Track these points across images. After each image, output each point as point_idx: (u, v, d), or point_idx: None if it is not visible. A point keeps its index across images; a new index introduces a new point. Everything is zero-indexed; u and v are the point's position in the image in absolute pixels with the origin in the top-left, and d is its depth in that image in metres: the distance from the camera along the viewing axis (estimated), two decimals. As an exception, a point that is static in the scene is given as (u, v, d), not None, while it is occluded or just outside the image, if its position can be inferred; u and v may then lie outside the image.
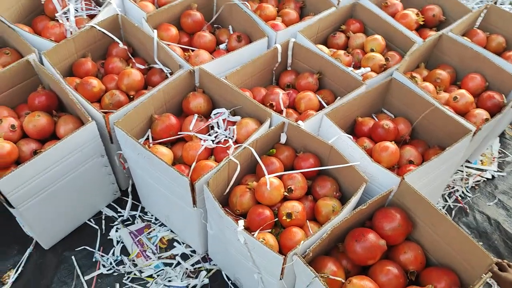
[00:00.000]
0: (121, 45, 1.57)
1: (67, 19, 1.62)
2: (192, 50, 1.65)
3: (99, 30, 1.53)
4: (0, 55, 1.50)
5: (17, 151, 1.29)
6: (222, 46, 1.70)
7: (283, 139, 1.36)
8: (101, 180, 1.49)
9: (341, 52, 1.65)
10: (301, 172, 1.28)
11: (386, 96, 1.56)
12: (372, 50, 1.65)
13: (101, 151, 1.40)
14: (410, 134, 1.50)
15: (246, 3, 1.69)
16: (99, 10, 1.65)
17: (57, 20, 1.62)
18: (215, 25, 1.79)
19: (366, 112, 1.54)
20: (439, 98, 1.53)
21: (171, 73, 1.52)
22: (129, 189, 1.60)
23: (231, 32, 1.74)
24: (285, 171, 1.29)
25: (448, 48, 1.66)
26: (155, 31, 1.53)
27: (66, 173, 1.34)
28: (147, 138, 1.41)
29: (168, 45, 1.58)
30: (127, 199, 1.61)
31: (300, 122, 1.33)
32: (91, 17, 1.66)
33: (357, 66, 1.66)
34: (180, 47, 1.64)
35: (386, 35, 1.70)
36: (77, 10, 1.66)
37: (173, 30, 1.63)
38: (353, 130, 1.52)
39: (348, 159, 1.24)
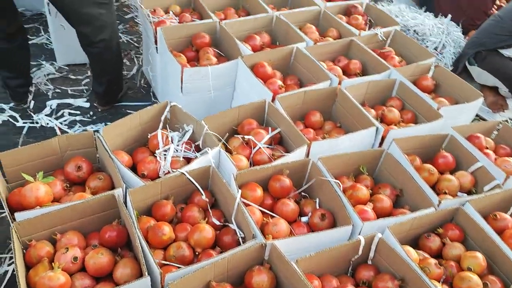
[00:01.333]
0: (203, 197, 1.57)
1: (165, 157, 1.69)
2: (272, 216, 1.59)
3: (188, 178, 1.55)
4: (93, 178, 1.58)
5: (69, 286, 1.26)
6: (304, 219, 1.62)
7: None
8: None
9: (432, 261, 1.47)
10: None
11: (477, 331, 1.31)
12: (469, 269, 1.45)
13: (148, 304, 1.33)
14: None
15: (339, 182, 1.63)
16: (196, 156, 1.70)
17: (156, 156, 1.70)
18: (302, 193, 1.74)
19: None
20: None
21: (243, 238, 1.46)
22: None
23: (317, 207, 1.66)
24: None
25: None
26: (240, 191, 1.52)
27: (107, 321, 1.27)
28: (199, 303, 1.31)
29: (249, 205, 1.55)
30: None
31: None
32: (187, 159, 1.72)
33: (448, 282, 1.46)
34: (261, 210, 1.59)
35: (489, 253, 1.50)
36: (176, 151, 1.73)
37: (259, 192, 1.61)
38: None
39: None
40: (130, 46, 2.97)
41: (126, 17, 3.24)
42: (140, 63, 2.81)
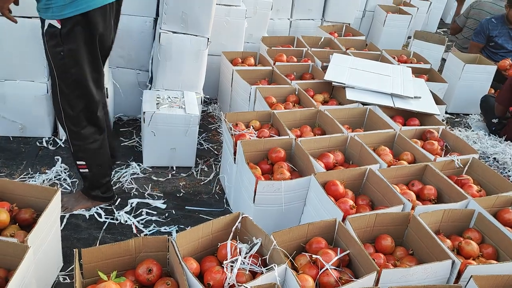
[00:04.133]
0: (265, 316, 1.54)
1: (232, 269, 1.70)
2: None
3: (252, 294, 1.54)
4: (161, 283, 1.63)
5: None
6: None
7: None
8: None
9: None
10: None
11: None
12: None
13: None
14: None
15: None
16: (262, 271, 1.70)
17: (223, 267, 1.72)
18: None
19: None
20: None
21: None
22: None
23: None
24: None
25: None
26: (304, 315, 1.47)
27: None
28: None
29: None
30: None
31: None
32: (253, 273, 1.72)
33: None
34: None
35: None
36: (243, 263, 1.74)
37: (323, 317, 1.55)
38: None
39: None
40: (210, 153, 3.17)
41: (210, 126, 3.51)
42: (217, 170, 2.97)
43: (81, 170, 2.35)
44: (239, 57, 3.64)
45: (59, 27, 1.94)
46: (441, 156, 2.62)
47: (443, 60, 4.85)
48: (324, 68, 3.57)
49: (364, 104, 3.07)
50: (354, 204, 2.13)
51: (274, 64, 3.52)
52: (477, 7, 5.30)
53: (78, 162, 2.32)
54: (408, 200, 2.11)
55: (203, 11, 2.85)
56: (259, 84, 3.32)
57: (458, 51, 5.24)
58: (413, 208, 2.09)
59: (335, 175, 2.28)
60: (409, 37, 5.89)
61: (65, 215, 2.40)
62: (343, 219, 1.97)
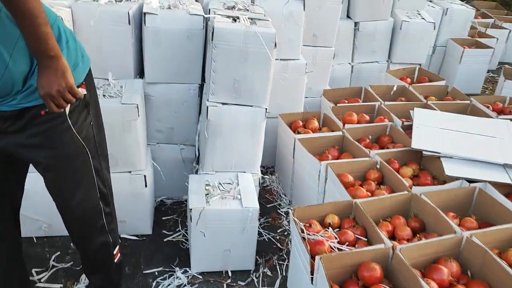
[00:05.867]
0: None
1: None
2: None
3: None
4: None
5: None
6: None
7: None
8: None
9: None
10: None
11: None
12: None
13: None
14: None
15: None
16: None
17: None
18: None
19: None
20: None
21: None
22: None
23: None
24: None
25: None
26: None
27: None
28: None
29: None
30: None
31: None
32: None
33: None
34: None
35: None
36: None
37: None
38: None
39: None
40: (272, 247, 2.54)
41: (268, 206, 2.89)
42: (284, 274, 2.34)
43: (115, 260, 1.91)
44: (299, 119, 3.04)
45: (85, 92, 1.55)
46: None
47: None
48: (405, 129, 2.90)
49: (469, 181, 2.37)
50: None
51: (344, 127, 2.89)
52: None
53: (114, 251, 1.90)
54: None
55: (260, 77, 2.29)
56: (328, 154, 2.70)
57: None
58: None
59: (462, 311, 1.60)
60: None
61: None
62: None
